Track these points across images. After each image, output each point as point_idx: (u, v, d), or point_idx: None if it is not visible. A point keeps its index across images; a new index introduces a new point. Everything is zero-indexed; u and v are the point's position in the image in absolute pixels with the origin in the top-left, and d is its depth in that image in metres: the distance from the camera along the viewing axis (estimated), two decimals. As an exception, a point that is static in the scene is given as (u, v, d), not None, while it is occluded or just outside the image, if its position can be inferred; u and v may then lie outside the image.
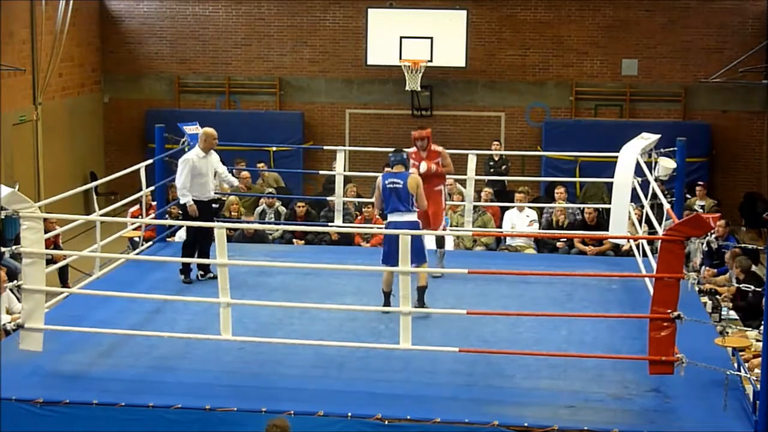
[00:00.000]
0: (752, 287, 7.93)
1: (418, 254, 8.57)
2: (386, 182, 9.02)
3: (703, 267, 12.39)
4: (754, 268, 11.37)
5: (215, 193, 10.49)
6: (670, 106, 18.38)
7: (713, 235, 12.11)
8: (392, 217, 9.04)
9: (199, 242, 10.06)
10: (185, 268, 10.08)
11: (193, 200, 9.98)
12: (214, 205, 10.47)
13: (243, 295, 8.84)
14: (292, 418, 6.80)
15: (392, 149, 9.41)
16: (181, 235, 12.55)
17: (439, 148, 10.17)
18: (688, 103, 18.31)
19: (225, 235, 7.60)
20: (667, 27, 18.15)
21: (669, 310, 6.97)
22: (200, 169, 10.05)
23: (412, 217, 9.04)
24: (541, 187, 17.35)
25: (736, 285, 8.10)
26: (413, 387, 7.40)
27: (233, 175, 15.61)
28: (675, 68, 18.25)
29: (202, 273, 10.17)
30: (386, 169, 9.53)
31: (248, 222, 13.52)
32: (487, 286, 9.73)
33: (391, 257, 8.57)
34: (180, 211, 10.39)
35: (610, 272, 10.13)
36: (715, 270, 12.00)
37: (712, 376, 7.22)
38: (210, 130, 10.25)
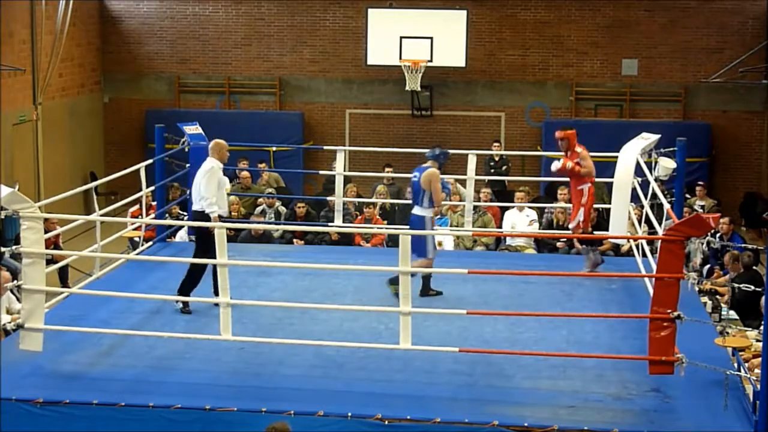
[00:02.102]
0: (752, 287, 7.92)
1: (418, 248, 8.95)
2: (413, 174, 9.54)
3: (707, 266, 12.39)
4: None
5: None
6: (670, 106, 18.38)
7: (718, 235, 12.16)
8: (414, 210, 9.54)
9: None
10: (187, 292, 9.06)
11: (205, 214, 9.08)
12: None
13: (243, 295, 8.84)
14: (292, 418, 6.80)
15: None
16: (182, 236, 12.56)
17: (580, 149, 10.17)
18: (688, 103, 18.31)
19: (225, 234, 7.60)
20: (667, 27, 18.15)
21: (669, 310, 6.97)
22: (221, 181, 9.34)
23: (420, 211, 9.39)
24: (541, 187, 17.34)
25: (736, 285, 8.09)
26: (413, 387, 7.40)
27: (234, 174, 15.80)
28: (675, 68, 18.25)
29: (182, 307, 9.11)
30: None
31: (248, 222, 13.52)
32: (487, 286, 9.73)
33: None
34: (182, 214, 10.16)
35: (610, 272, 10.13)
36: (722, 271, 11.95)
37: (712, 376, 7.22)
38: (222, 141, 9.55)
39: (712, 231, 12.74)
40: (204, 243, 8.92)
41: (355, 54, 18.49)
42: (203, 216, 9.05)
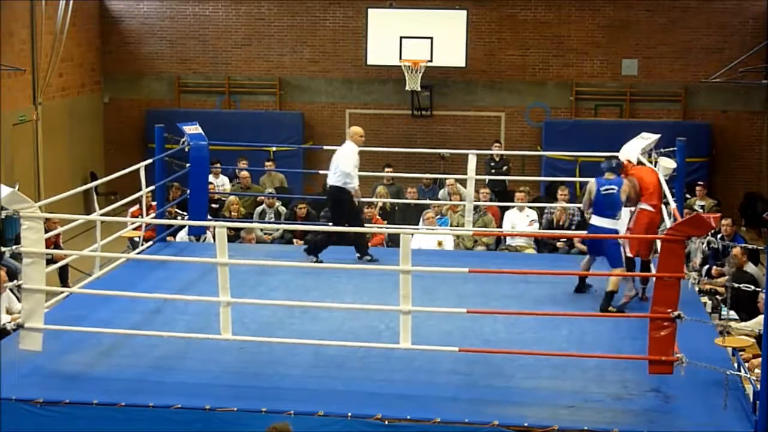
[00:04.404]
0: (752, 287, 7.92)
1: (613, 258, 9.12)
2: (601, 188, 9.32)
3: (706, 266, 12.36)
4: (750, 268, 11.37)
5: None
6: (670, 106, 18.39)
7: (719, 236, 12.13)
8: (594, 221, 9.36)
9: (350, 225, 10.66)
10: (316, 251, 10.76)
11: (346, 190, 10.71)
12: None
13: (243, 295, 8.83)
14: (292, 418, 6.80)
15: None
16: (182, 236, 12.57)
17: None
18: (688, 103, 18.32)
19: (225, 235, 7.59)
20: (667, 27, 18.16)
21: (669, 310, 6.97)
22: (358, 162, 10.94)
23: (613, 224, 9.23)
24: (541, 187, 17.35)
25: (736, 285, 8.07)
26: (413, 387, 7.40)
27: (235, 174, 15.82)
28: (675, 68, 18.26)
29: (359, 255, 10.86)
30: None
31: (249, 222, 13.54)
32: (487, 285, 9.72)
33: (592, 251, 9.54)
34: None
35: (610, 272, 10.11)
36: (723, 270, 11.88)
37: (712, 376, 7.22)
38: (359, 127, 11.22)
39: (714, 232, 12.71)
40: (340, 210, 10.74)
41: (355, 54, 18.49)
42: (340, 190, 10.73)
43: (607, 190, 9.27)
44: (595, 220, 9.34)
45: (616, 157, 9.72)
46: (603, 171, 9.40)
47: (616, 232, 9.27)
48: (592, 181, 9.49)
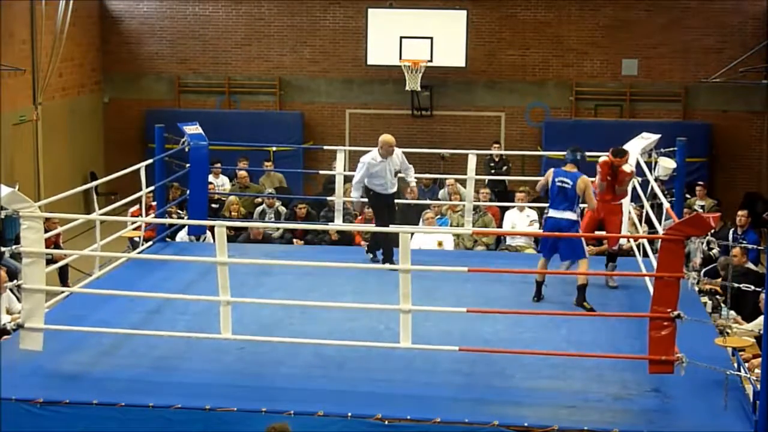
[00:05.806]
0: (752, 287, 7.93)
1: (577, 251, 9.15)
2: (556, 179, 9.31)
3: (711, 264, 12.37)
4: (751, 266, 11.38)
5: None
6: (670, 106, 18.39)
7: (731, 230, 12.14)
8: (552, 213, 9.37)
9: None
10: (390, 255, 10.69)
11: (375, 193, 10.64)
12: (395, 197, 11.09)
13: (243, 295, 8.83)
14: (292, 418, 6.80)
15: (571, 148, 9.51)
16: (182, 236, 12.58)
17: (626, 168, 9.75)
18: (688, 103, 18.32)
19: (225, 234, 7.59)
20: (667, 27, 18.16)
21: (669, 310, 6.98)
22: (377, 172, 10.62)
23: (572, 215, 9.27)
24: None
25: (736, 285, 8.10)
26: (413, 387, 7.40)
27: (234, 174, 15.83)
28: (675, 68, 18.25)
29: (372, 255, 10.99)
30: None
31: (248, 222, 13.54)
32: (487, 286, 9.72)
33: (547, 249, 9.43)
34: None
35: (610, 272, 10.12)
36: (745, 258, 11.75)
37: (712, 376, 7.23)
38: (387, 137, 10.69)
39: (728, 224, 12.70)
40: (376, 212, 10.89)
41: (355, 54, 18.49)
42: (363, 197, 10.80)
43: (561, 182, 9.31)
44: (553, 213, 9.39)
45: (580, 150, 9.58)
46: (565, 161, 9.42)
47: (577, 223, 9.38)
48: (551, 171, 9.54)
